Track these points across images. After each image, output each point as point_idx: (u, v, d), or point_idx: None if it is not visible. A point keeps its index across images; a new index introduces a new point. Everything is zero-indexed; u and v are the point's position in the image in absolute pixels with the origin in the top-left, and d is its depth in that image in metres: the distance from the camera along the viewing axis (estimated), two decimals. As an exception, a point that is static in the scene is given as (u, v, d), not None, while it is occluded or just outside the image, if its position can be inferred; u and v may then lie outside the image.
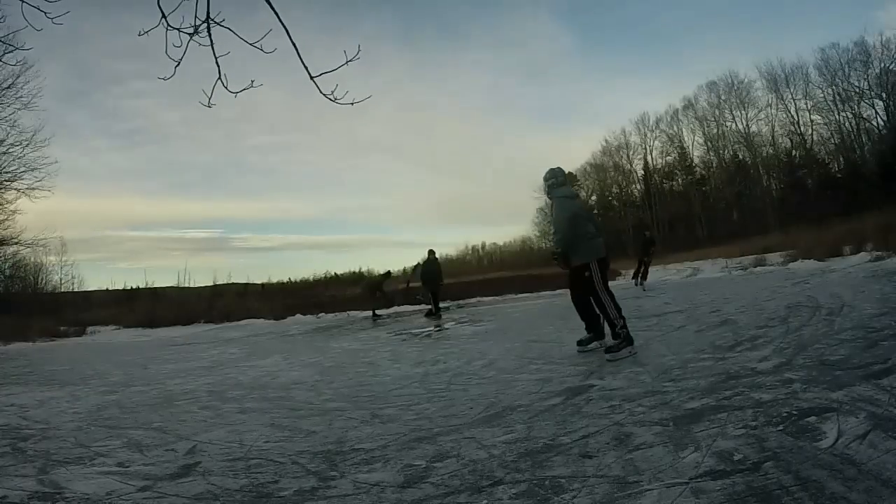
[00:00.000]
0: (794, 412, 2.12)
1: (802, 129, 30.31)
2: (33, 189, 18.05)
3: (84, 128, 40.95)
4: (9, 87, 17.21)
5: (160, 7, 2.48)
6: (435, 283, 10.90)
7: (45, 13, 2.65)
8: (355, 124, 50.03)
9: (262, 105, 42.99)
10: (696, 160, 35.35)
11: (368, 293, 12.80)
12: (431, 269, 10.98)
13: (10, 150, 18.10)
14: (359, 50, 2.66)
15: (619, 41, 48.14)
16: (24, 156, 18.21)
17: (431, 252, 11.25)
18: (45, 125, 30.69)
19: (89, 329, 14.68)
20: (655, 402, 2.53)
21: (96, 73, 40.52)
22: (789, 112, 30.50)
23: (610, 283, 4.14)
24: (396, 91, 46.11)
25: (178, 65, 2.67)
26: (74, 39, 37.73)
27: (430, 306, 10.97)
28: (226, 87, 2.69)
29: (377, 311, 12.45)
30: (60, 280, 23.51)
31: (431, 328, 8.25)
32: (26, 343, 12.13)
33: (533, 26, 47.26)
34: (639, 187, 37.36)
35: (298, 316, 14.38)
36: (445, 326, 8.35)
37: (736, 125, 32.80)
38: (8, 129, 17.97)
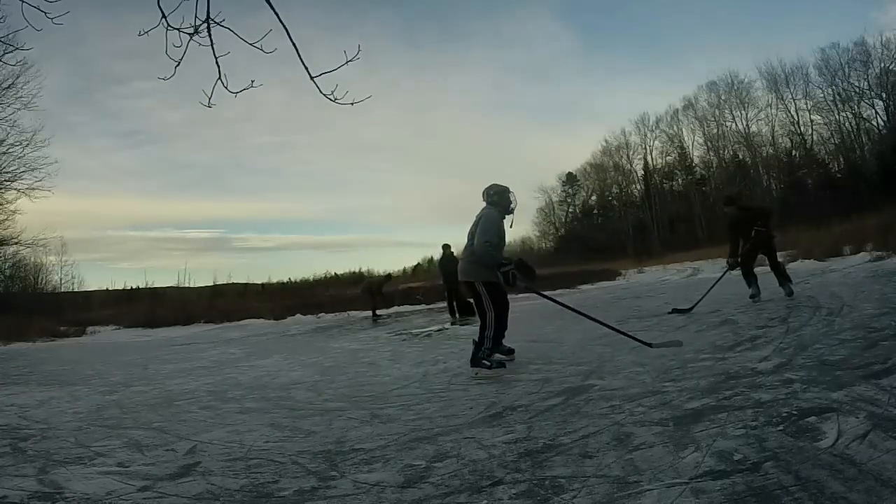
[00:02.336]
0: (794, 412, 2.11)
1: (802, 129, 30.34)
2: (33, 189, 18.11)
3: (85, 127, 41.06)
4: (9, 87, 17.24)
5: (160, 7, 2.49)
6: (453, 281, 9.49)
7: (45, 13, 2.66)
8: (356, 124, 50.07)
9: (263, 105, 43.10)
10: (696, 160, 35.39)
11: (368, 294, 12.80)
12: (448, 266, 9.74)
13: (10, 150, 18.17)
14: (359, 50, 2.67)
15: (620, 41, 48.23)
16: (24, 156, 18.29)
17: (446, 247, 10.12)
18: (45, 125, 30.72)
19: (89, 329, 14.67)
20: (655, 402, 2.53)
21: (98, 73, 40.63)
22: (789, 112, 30.54)
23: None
24: (397, 91, 46.17)
25: (178, 65, 2.68)
26: (77, 39, 37.82)
27: (445, 304, 9.94)
28: (226, 87, 2.70)
29: (377, 311, 12.45)
30: (60, 280, 23.52)
31: (432, 328, 8.25)
32: (26, 343, 12.12)
33: (534, 26, 47.30)
34: (639, 187, 37.36)
35: (298, 316, 14.37)
36: (445, 326, 8.35)
37: (736, 125, 32.84)
38: (8, 129, 18.02)
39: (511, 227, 4.12)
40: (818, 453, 1.70)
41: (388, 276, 14.14)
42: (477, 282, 3.97)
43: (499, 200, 4.09)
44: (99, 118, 42.43)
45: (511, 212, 4.14)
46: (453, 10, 48.62)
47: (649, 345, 3.75)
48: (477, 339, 3.98)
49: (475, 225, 3.99)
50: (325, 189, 49.75)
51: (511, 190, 4.13)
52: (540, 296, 4.30)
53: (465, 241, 4.13)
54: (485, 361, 3.88)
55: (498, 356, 4.01)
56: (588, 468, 1.83)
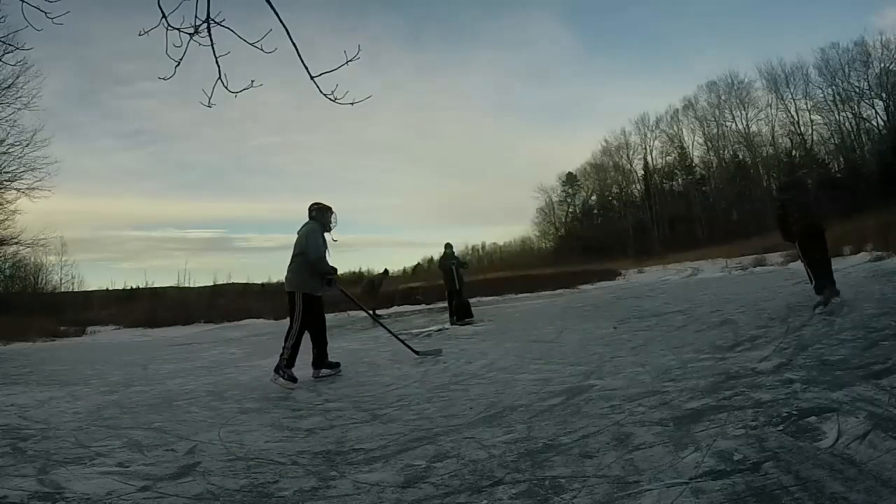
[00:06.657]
0: (794, 412, 2.11)
1: (802, 129, 30.36)
2: (33, 189, 18.07)
3: (87, 127, 41.11)
4: (9, 87, 17.24)
5: (160, 7, 2.48)
6: (452, 282, 9.30)
7: (46, 13, 2.65)
8: (358, 125, 50.08)
9: (264, 105, 43.09)
10: (696, 160, 35.41)
11: (367, 293, 12.81)
12: (449, 266, 9.44)
13: (10, 150, 18.13)
14: (359, 50, 2.67)
15: (621, 41, 48.18)
16: (24, 156, 18.25)
17: (448, 246, 9.68)
18: (46, 125, 30.75)
19: (89, 329, 14.69)
20: (655, 402, 2.53)
21: (103, 74, 40.68)
22: (789, 112, 30.57)
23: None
24: (399, 91, 46.22)
25: (178, 65, 2.67)
26: (81, 40, 37.87)
27: (445, 304, 9.74)
28: (226, 87, 2.69)
29: (377, 311, 12.43)
30: (60, 280, 23.52)
31: (432, 328, 8.25)
32: (26, 343, 12.13)
33: (536, 28, 47.33)
34: (639, 187, 37.36)
35: (298, 316, 14.35)
36: (445, 326, 8.35)
37: (736, 125, 32.87)
38: (8, 128, 18.01)
39: (335, 240, 4.59)
40: (818, 453, 1.70)
41: (385, 273, 14.10)
42: (297, 292, 4.32)
43: (318, 217, 4.52)
44: (101, 118, 42.50)
45: (330, 229, 4.57)
46: (457, 11, 48.67)
47: (416, 352, 4.41)
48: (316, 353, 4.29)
49: (303, 237, 4.37)
50: (326, 189, 49.94)
51: (333, 210, 4.59)
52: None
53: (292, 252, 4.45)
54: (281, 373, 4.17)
55: (287, 372, 4.22)
56: (588, 468, 1.83)
